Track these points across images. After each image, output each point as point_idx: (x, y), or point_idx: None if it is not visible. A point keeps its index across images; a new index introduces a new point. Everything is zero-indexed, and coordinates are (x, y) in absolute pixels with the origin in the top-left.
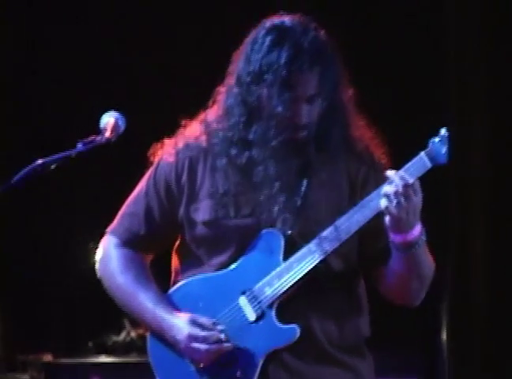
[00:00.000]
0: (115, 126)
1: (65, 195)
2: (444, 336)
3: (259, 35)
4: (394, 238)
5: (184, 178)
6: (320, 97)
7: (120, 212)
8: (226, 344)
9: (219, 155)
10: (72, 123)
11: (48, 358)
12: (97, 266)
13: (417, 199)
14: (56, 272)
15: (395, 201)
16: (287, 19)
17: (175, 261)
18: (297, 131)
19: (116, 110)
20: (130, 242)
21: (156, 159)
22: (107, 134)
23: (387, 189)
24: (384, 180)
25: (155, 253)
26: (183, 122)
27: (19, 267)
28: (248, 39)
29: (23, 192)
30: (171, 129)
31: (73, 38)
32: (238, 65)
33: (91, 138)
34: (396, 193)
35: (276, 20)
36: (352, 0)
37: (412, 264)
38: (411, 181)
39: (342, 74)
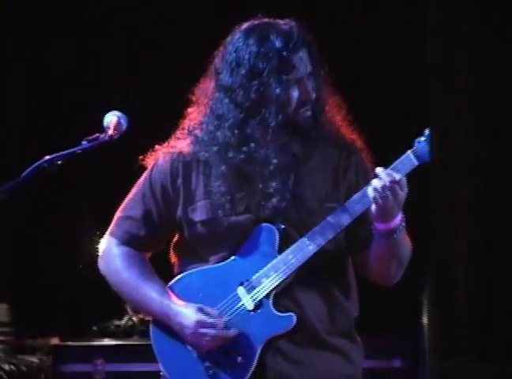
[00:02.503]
0: (118, 125)
1: (70, 188)
2: (425, 321)
3: (239, 43)
4: (378, 226)
5: (179, 180)
6: (313, 75)
7: (118, 215)
8: (232, 330)
9: (217, 162)
10: (75, 122)
11: (55, 341)
12: (100, 264)
13: (403, 193)
14: (62, 261)
15: (383, 195)
16: (254, 21)
17: (174, 257)
18: (303, 109)
19: (119, 110)
20: (130, 243)
21: (151, 164)
22: (110, 132)
23: (376, 183)
24: (360, 164)
25: (153, 251)
26: (174, 133)
27: (27, 258)
28: (224, 55)
29: (30, 185)
30: (171, 130)
31: (77, 39)
32: (219, 80)
33: (95, 136)
34: (383, 188)
35: (243, 26)
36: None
37: (392, 248)
38: (397, 177)
39: (317, 54)
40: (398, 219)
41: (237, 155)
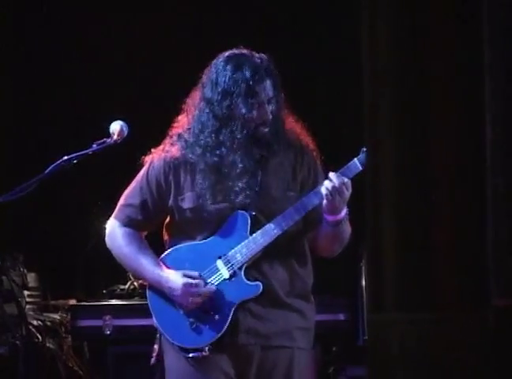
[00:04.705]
0: (121, 131)
1: (82, 182)
2: (363, 283)
3: (220, 66)
4: (328, 217)
5: (170, 176)
6: (275, 99)
7: (120, 203)
8: (210, 287)
9: (198, 161)
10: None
11: (73, 301)
12: (107, 241)
13: (348, 193)
14: (78, 239)
15: (333, 193)
16: (235, 51)
17: (166, 236)
18: (262, 127)
19: (121, 119)
20: (130, 225)
21: (147, 163)
22: (115, 137)
23: (328, 184)
24: (311, 161)
25: (148, 231)
26: (166, 138)
27: (51, 237)
28: (208, 73)
29: (58, 177)
30: (163, 135)
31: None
32: (203, 93)
33: (102, 140)
34: (333, 188)
35: (226, 53)
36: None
37: (336, 234)
38: (345, 180)
39: (280, 83)
40: (344, 212)
41: (212, 157)
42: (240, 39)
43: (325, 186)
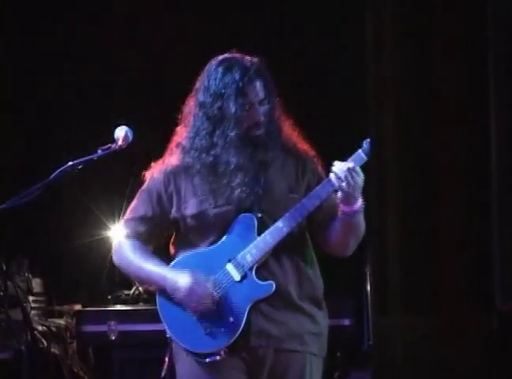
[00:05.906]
0: (126, 137)
1: (91, 190)
2: (368, 288)
3: (211, 70)
4: (344, 208)
5: (171, 187)
6: (267, 101)
7: (126, 216)
8: (215, 292)
9: (195, 163)
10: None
11: (78, 307)
12: (113, 255)
13: (359, 179)
14: (84, 248)
15: (345, 181)
16: (227, 55)
17: (172, 250)
18: (255, 129)
19: (126, 125)
20: (134, 237)
21: (148, 178)
22: (120, 142)
23: (336, 170)
24: (314, 167)
25: (153, 244)
26: (167, 150)
27: (57, 245)
28: (201, 78)
29: (62, 186)
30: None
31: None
32: (197, 98)
33: (107, 146)
34: (342, 173)
35: (219, 57)
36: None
37: (353, 226)
38: (351, 165)
39: (274, 86)
40: (359, 202)
41: (207, 158)
42: (242, 39)
43: (335, 174)
